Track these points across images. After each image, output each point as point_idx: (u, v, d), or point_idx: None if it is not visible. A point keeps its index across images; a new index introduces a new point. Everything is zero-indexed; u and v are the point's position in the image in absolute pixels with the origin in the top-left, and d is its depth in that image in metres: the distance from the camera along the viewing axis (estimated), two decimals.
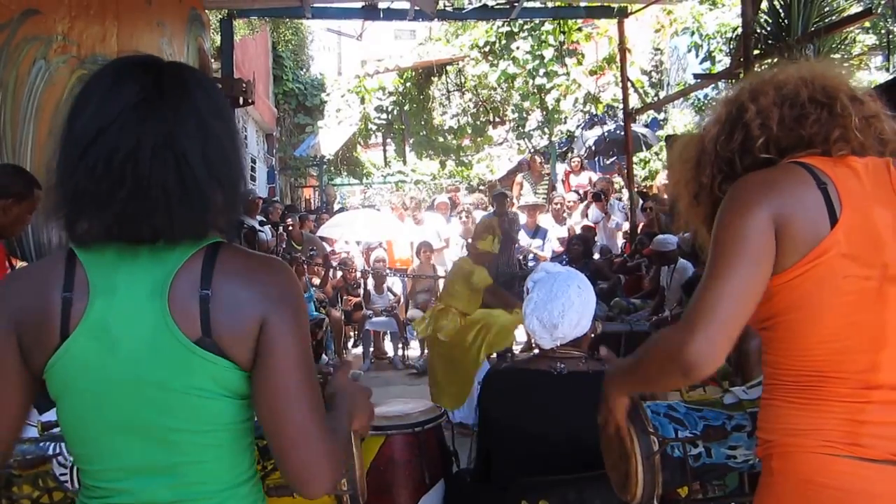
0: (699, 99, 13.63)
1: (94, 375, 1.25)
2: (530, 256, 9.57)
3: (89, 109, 1.26)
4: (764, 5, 6.92)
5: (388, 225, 11.29)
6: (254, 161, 14.79)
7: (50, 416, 1.82)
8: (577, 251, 8.66)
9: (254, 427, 1.38)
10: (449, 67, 17.39)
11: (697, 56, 13.97)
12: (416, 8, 9.22)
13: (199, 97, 1.31)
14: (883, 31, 12.70)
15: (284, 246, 9.46)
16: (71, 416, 1.30)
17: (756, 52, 6.69)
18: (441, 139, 17.64)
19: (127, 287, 1.26)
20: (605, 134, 15.46)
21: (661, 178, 11.95)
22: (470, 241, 6.93)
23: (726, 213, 1.46)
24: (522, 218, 10.32)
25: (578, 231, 9.99)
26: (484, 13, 10.84)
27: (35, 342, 1.27)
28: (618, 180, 12.37)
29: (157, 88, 1.27)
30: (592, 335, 2.58)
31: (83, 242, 1.29)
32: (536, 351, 2.61)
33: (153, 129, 1.24)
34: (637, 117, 12.02)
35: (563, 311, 2.44)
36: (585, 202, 11.17)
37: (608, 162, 15.72)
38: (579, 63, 15.39)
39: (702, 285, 1.43)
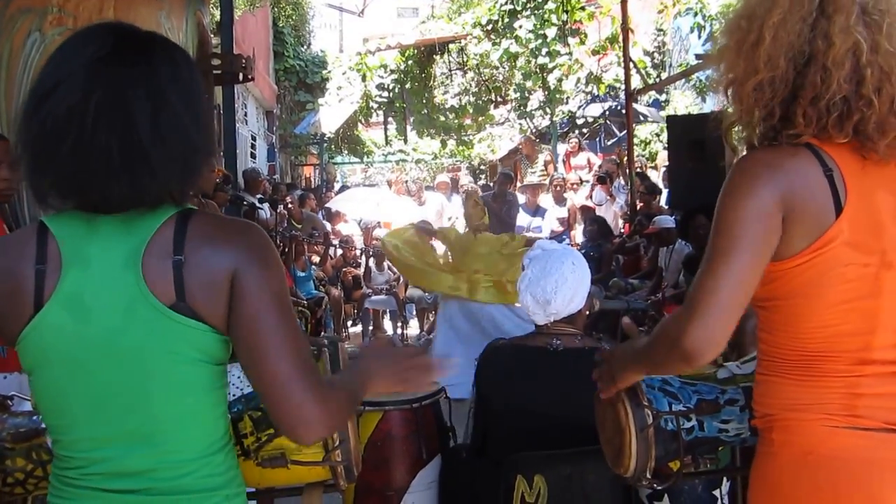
0: (701, 80, 13.58)
1: (69, 345, 1.27)
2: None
3: (48, 67, 1.28)
4: None
5: (398, 205, 11.35)
6: (254, 138, 14.75)
7: None
8: (593, 231, 8.62)
9: (227, 396, 1.40)
10: (451, 46, 17.30)
11: (700, 37, 13.89)
12: None
13: (160, 63, 1.29)
14: None
15: (286, 225, 9.46)
16: (47, 387, 1.31)
17: None
18: (442, 118, 17.59)
19: (100, 258, 1.27)
20: (606, 112, 15.42)
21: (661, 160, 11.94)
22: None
23: (729, 194, 1.43)
24: (522, 198, 10.33)
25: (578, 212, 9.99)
26: None
27: (8, 312, 1.28)
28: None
29: (116, 49, 1.27)
30: (588, 312, 2.60)
31: (50, 209, 1.30)
32: (533, 328, 2.63)
33: (102, 87, 1.23)
34: (638, 98, 11.98)
35: (556, 288, 2.46)
36: (590, 184, 11.16)
37: (609, 143, 15.69)
38: (582, 43, 15.30)
39: (702, 269, 1.43)
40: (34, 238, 1.29)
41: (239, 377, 1.90)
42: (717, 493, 2.40)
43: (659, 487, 1.98)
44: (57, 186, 1.27)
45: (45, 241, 1.28)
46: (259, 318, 1.28)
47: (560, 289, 2.46)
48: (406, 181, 12.36)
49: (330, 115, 17.84)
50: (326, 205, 11.64)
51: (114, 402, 1.28)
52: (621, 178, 10.34)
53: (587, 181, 11.42)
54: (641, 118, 14.56)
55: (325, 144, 18.33)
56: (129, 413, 1.29)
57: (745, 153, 1.51)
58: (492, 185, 10.28)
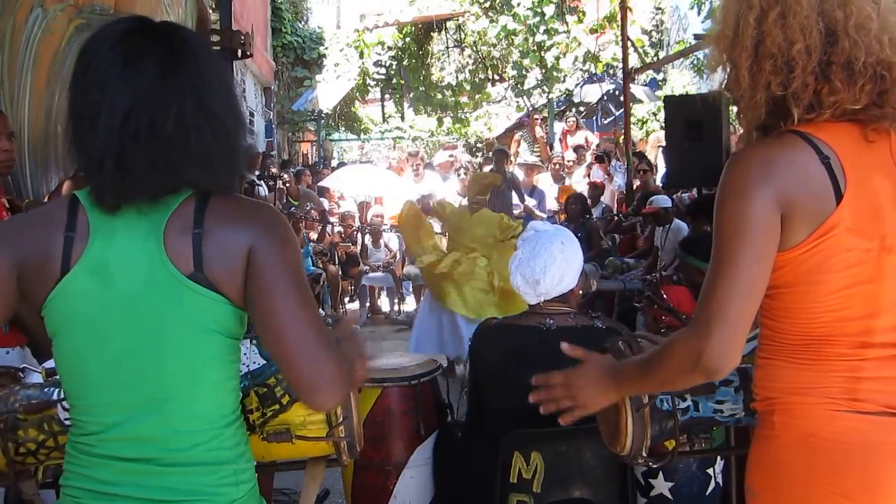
0: (699, 59, 13.51)
1: (90, 309, 1.33)
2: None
3: (110, 87, 1.31)
4: None
5: (390, 181, 11.33)
6: (252, 115, 14.68)
7: (53, 363, 1.88)
8: (575, 210, 8.64)
9: (239, 371, 1.45)
10: (449, 23, 17.19)
11: (699, 14, 13.80)
12: None
13: (202, 59, 1.39)
14: None
15: (285, 201, 9.47)
16: (68, 351, 1.37)
17: None
18: (439, 96, 17.51)
19: (125, 230, 1.34)
20: (604, 96, 15.37)
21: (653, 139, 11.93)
22: (467, 199, 6.96)
23: (727, 200, 1.43)
24: (520, 174, 10.31)
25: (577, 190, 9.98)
26: None
27: (37, 277, 1.34)
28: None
29: (173, 63, 1.34)
30: (580, 292, 2.63)
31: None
32: (526, 308, 2.66)
33: (180, 99, 1.33)
34: (635, 77, 11.94)
35: (545, 268, 2.50)
36: (588, 163, 11.15)
37: (606, 122, 15.65)
38: (580, 21, 15.22)
39: (709, 281, 1.42)
40: (66, 209, 1.37)
41: (245, 353, 1.93)
42: (710, 471, 2.45)
43: (654, 465, 2.02)
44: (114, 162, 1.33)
45: (75, 212, 1.36)
46: (275, 288, 1.34)
47: (549, 269, 2.50)
48: (412, 154, 12.28)
49: (327, 91, 17.74)
50: (320, 183, 11.63)
51: (129, 367, 1.34)
52: (619, 157, 10.35)
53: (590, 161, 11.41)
54: (639, 100, 14.50)
55: (323, 121, 18.26)
56: (143, 379, 1.35)
57: (740, 147, 1.51)
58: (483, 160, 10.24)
